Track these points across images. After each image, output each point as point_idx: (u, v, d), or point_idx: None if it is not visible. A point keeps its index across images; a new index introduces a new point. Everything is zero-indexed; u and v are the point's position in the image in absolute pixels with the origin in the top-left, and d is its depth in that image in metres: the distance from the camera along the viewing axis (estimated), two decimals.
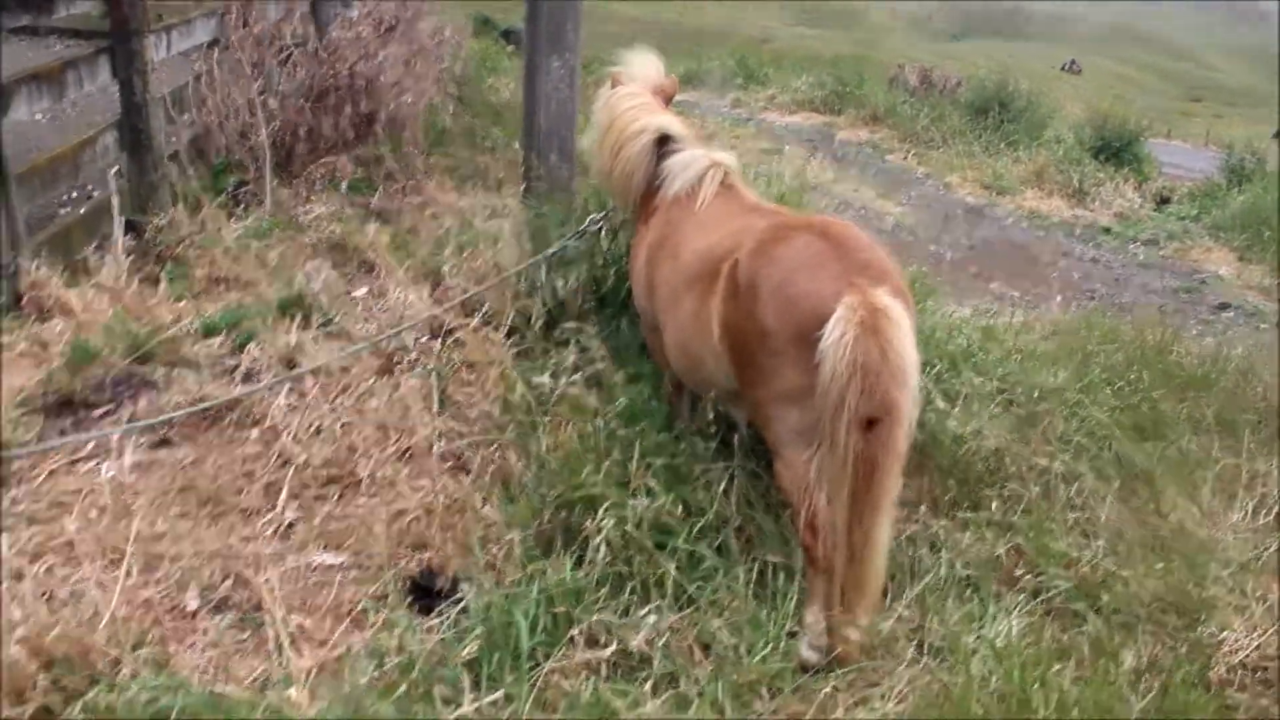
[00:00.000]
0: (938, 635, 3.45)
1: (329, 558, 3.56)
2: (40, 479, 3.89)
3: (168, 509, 3.72)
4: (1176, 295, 9.13)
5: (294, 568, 3.49)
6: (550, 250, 4.72)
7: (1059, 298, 9.05)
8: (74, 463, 4.02)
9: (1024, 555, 3.99)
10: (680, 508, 3.48)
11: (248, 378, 4.73)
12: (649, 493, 3.49)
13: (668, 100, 4.56)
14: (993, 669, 3.14)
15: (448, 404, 4.38)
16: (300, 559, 3.54)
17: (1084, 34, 49.34)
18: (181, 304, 5.79)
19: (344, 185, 7.62)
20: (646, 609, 3.15)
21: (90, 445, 4.14)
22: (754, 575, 3.53)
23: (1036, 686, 3.07)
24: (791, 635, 3.35)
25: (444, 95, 8.76)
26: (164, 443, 4.20)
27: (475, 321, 4.72)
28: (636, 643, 3.04)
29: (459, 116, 9.04)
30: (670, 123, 4.27)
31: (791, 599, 3.40)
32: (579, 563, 3.29)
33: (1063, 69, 32.09)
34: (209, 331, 5.26)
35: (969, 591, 3.74)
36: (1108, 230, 11.44)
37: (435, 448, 4.09)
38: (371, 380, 4.66)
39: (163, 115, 6.90)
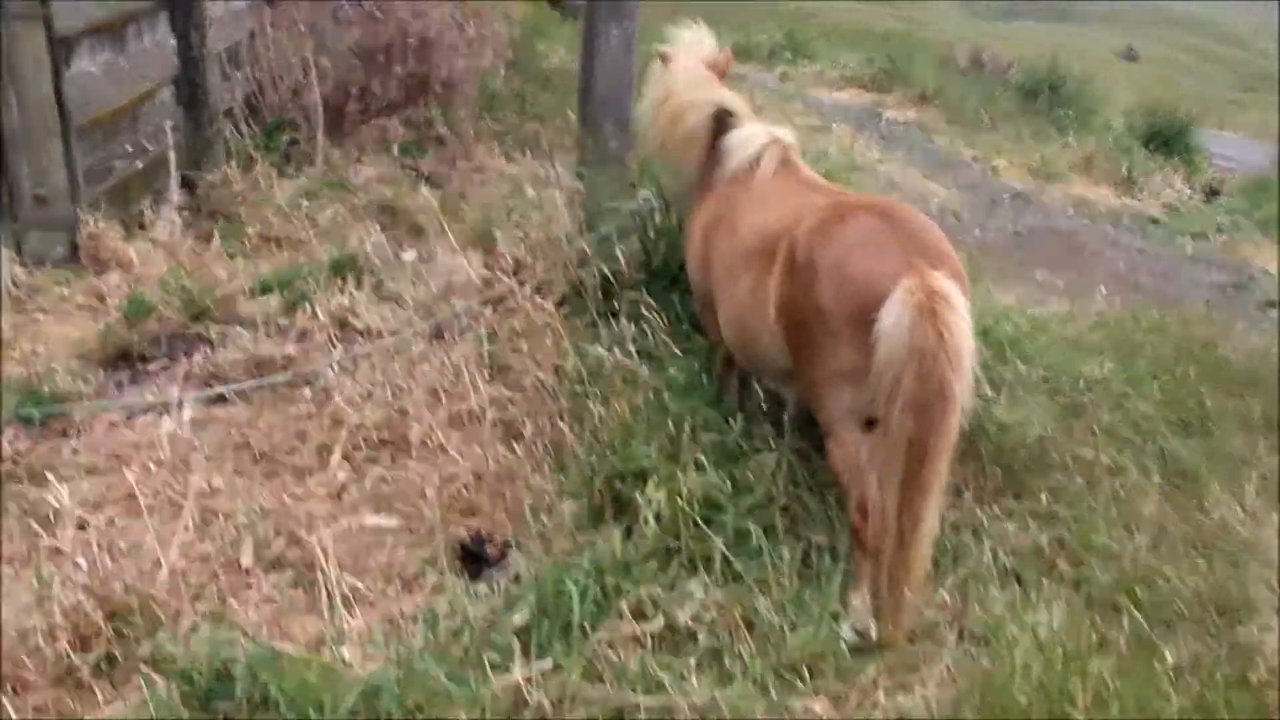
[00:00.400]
0: (979, 622, 3.47)
1: (381, 520, 3.61)
2: (99, 431, 3.96)
3: (223, 465, 3.78)
4: (1224, 291, 8.99)
5: (346, 528, 3.54)
6: (607, 227, 4.73)
7: (1104, 288, 8.97)
8: (130, 416, 4.10)
9: (1066, 546, 3.98)
10: (729, 484, 3.50)
11: (301, 338, 4.80)
12: (699, 467, 3.52)
13: (721, 76, 4.55)
14: (1034, 659, 3.15)
15: (500, 371, 4.41)
16: (352, 520, 3.60)
17: (1136, 18, 48.38)
18: (234, 261, 5.87)
19: (395, 147, 7.66)
20: (693, 583, 3.19)
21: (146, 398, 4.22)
22: (799, 555, 3.55)
23: (1077, 678, 3.08)
24: (834, 616, 3.37)
25: (497, 60, 8.73)
26: (219, 399, 4.26)
27: (527, 290, 4.73)
28: (684, 618, 3.08)
29: (510, 81, 9.03)
30: (728, 98, 4.25)
31: (835, 580, 3.42)
32: (627, 534, 3.32)
33: (1121, 56, 31.48)
34: (263, 290, 5.33)
35: (1010, 580, 3.75)
36: (1156, 221, 11.28)
37: (487, 414, 4.12)
38: (422, 345, 4.71)
39: (218, 71, 6.96)
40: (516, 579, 3.28)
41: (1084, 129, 14.14)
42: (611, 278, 4.82)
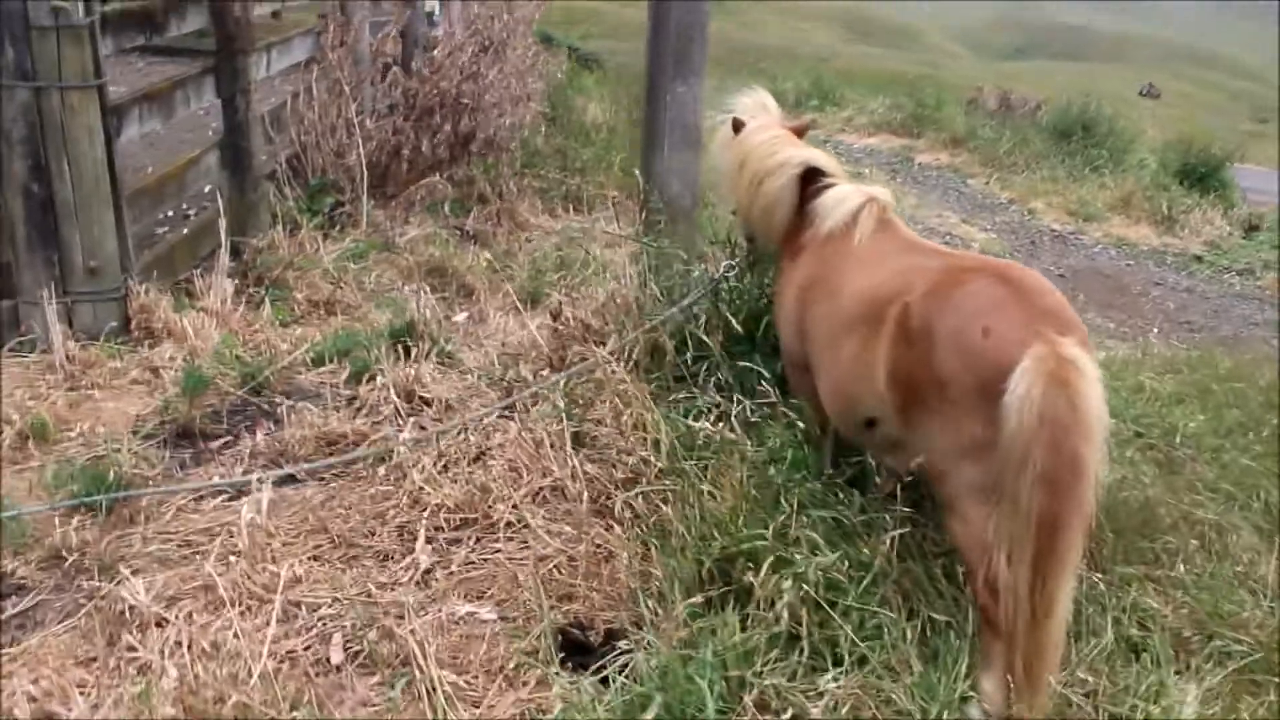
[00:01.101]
0: (1114, 699, 3.24)
1: (474, 608, 3.41)
2: (168, 516, 3.78)
3: (301, 551, 3.59)
4: (1277, 328, 8.82)
5: (438, 619, 3.34)
6: (693, 296, 4.57)
7: (1156, 329, 8.77)
8: (200, 499, 3.92)
9: (1194, 613, 3.75)
10: (845, 563, 3.29)
11: (367, 411, 4.62)
12: (812, 545, 3.31)
13: (801, 138, 4.41)
14: None
15: (582, 443, 4.21)
16: (443, 609, 3.39)
17: (1147, 55, 48.59)
18: (287, 329, 5.72)
19: (442, 206, 7.55)
20: (824, 675, 2.97)
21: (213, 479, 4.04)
22: (918, 632, 3.33)
23: None
24: (963, 699, 3.15)
25: (537, 116, 8.64)
26: (289, 479, 4.07)
27: (603, 353, 4.54)
28: (815, 712, 2.86)
29: (550, 137, 8.94)
30: (816, 156, 4.10)
31: (963, 661, 3.20)
32: (744, 621, 3.11)
33: (1141, 94, 31.47)
34: (321, 360, 5.17)
35: (1143, 654, 3.52)
36: (1199, 259, 11.12)
37: (583, 492, 3.92)
38: (495, 416, 4.53)
39: (262, 134, 6.86)
40: (624, 670, 3.07)
41: (1119, 168, 14.02)
42: (685, 342, 4.64)
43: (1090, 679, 3.30)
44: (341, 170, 7.26)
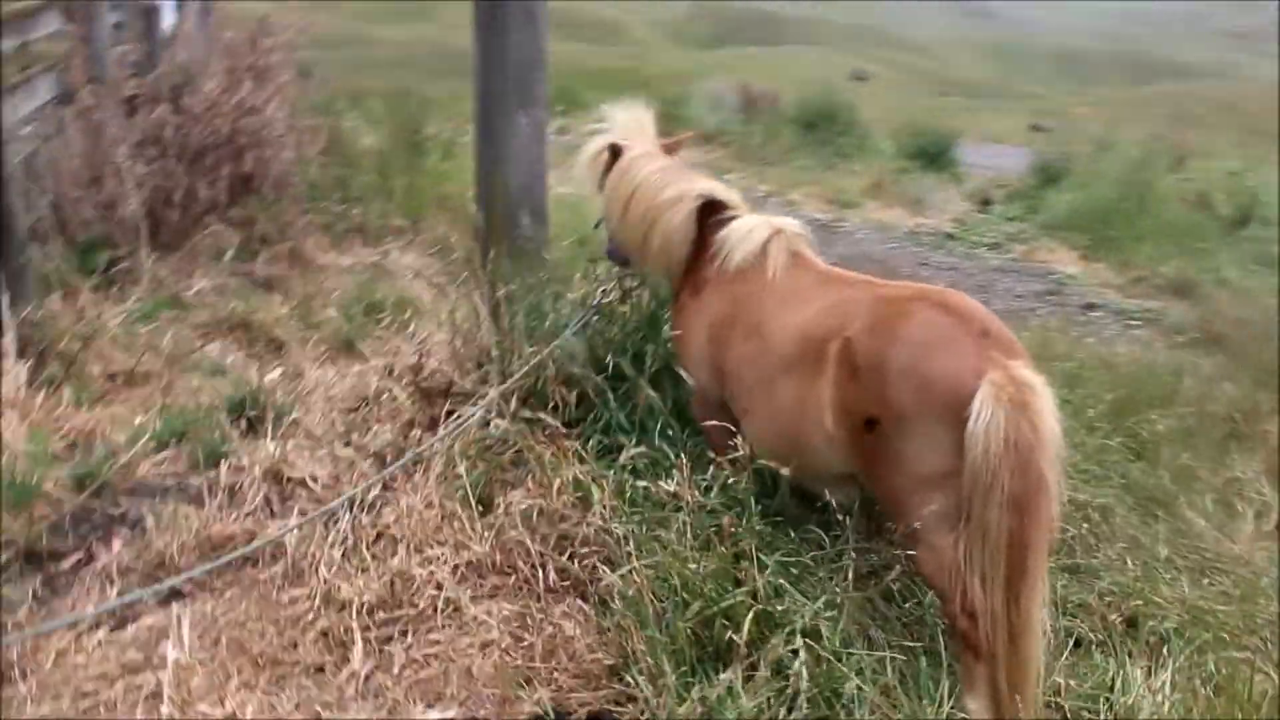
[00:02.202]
0: (1077, 698, 3.37)
1: (438, 714, 3.13)
2: (48, 665, 3.25)
3: (228, 682, 3.18)
4: (1042, 298, 9.51)
5: None
6: (576, 323, 4.36)
7: None
8: (79, 636, 3.39)
9: (1114, 597, 3.94)
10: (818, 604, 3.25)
11: (232, 498, 4.17)
12: (777, 592, 3.25)
13: (671, 155, 4.33)
14: None
15: (488, 507, 3.96)
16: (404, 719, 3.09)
17: (834, 37, 51.64)
18: (91, 411, 5.09)
19: (227, 254, 6.95)
20: None
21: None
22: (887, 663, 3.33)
23: None
24: None
25: (313, 146, 8.13)
26: (175, 595, 3.60)
27: (487, 405, 4.28)
28: None
29: (325, 168, 8.43)
30: (714, 187, 4.02)
31: (942, 686, 3.23)
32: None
33: (851, 79, 33.36)
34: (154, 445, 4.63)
35: (1079, 644, 3.68)
36: (951, 236, 11.88)
37: (499, 562, 3.68)
38: (375, 489, 4.19)
39: (19, 189, 6.07)
40: None
41: (863, 155, 14.78)
42: (569, 382, 4.44)
43: (1059, 679, 3.40)
44: (114, 223, 6.55)
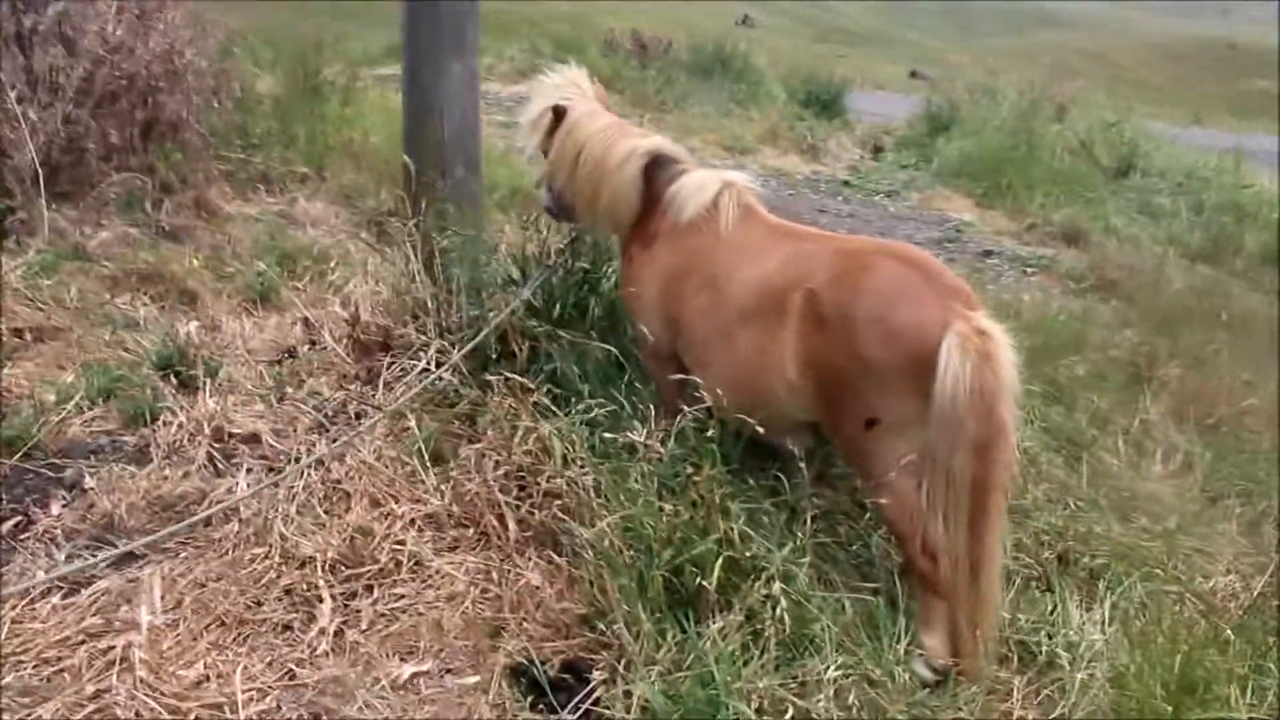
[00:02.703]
0: (1021, 632, 3.55)
1: (414, 668, 3.14)
2: (3, 631, 3.15)
3: (198, 644, 3.13)
4: (941, 245, 9.75)
5: (383, 688, 3.05)
6: (535, 280, 4.35)
7: None
8: (32, 602, 3.29)
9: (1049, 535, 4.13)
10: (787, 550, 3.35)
11: (171, 457, 4.07)
12: (744, 539, 3.34)
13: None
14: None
15: (441, 462, 3.95)
16: (380, 674, 3.10)
17: None
18: (9, 370, 4.89)
19: (129, 203, 6.69)
20: (801, 665, 3.04)
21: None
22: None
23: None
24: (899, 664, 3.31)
25: (221, 91, 7.83)
26: (129, 558, 3.51)
27: (429, 357, 4.26)
28: (818, 709, 2.92)
29: (224, 114, 8.11)
30: (660, 143, 4.03)
31: (898, 624, 3.37)
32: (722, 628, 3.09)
33: (738, 23, 33.37)
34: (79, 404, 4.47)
35: (1013, 580, 3.86)
36: (847, 183, 12.06)
37: (458, 515, 3.69)
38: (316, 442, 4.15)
39: None
40: (598, 702, 2.97)
41: (758, 102, 14.86)
42: (511, 332, 4.43)
43: (1004, 614, 3.57)
44: (8, 170, 6.23)
